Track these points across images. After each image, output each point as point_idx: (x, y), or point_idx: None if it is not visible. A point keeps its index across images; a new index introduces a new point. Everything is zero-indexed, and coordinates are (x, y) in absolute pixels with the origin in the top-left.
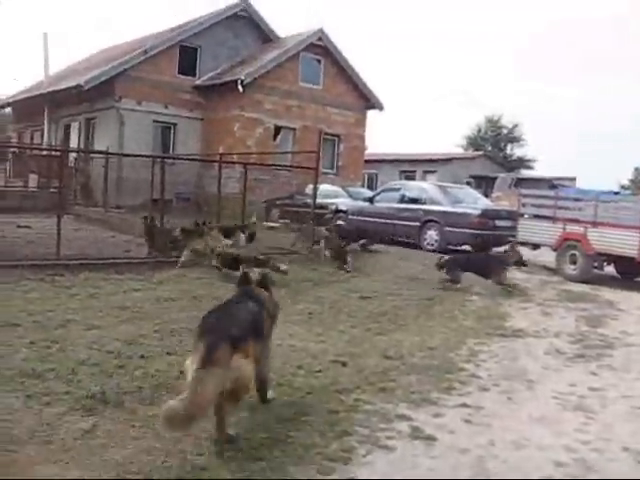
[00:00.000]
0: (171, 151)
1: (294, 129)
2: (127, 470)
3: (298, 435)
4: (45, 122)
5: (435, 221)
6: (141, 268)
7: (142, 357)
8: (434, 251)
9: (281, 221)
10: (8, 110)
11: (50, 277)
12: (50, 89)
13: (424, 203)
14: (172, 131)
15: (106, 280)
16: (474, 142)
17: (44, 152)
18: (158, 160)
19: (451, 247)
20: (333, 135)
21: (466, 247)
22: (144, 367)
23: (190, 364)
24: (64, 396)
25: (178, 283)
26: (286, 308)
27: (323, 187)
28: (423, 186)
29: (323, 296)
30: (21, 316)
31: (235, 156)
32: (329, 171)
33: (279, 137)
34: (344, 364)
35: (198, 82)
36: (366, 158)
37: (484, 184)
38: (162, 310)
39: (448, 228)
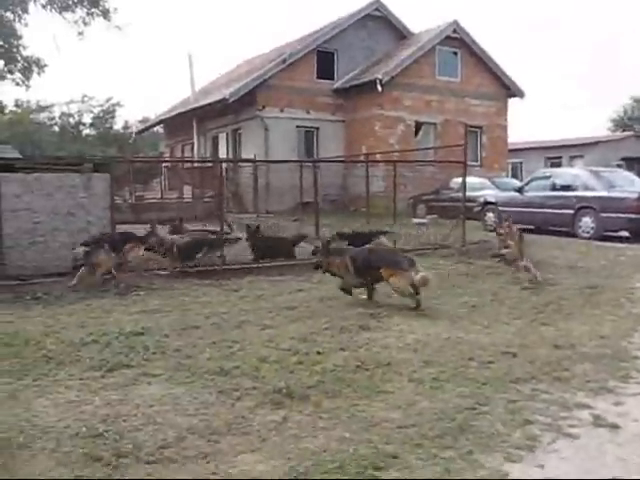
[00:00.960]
0: (314, 154)
1: (435, 124)
2: (322, 459)
3: (480, 424)
4: (195, 135)
5: (590, 207)
6: (300, 269)
7: (318, 353)
8: (589, 238)
9: (428, 217)
10: (156, 128)
11: (217, 282)
12: (197, 104)
13: (577, 189)
14: (315, 135)
15: (270, 282)
16: (620, 123)
17: (196, 164)
18: (308, 164)
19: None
20: (475, 127)
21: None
22: (321, 362)
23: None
24: (252, 391)
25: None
26: (447, 301)
27: (469, 180)
28: (575, 172)
29: (483, 289)
30: (199, 319)
31: (378, 155)
32: (473, 163)
33: (420, 133)
34: (514, 355)
35: (337, 85)
36: (509, 147)
37: (636, 166)
38: (328, 309)
39: (604, 214)
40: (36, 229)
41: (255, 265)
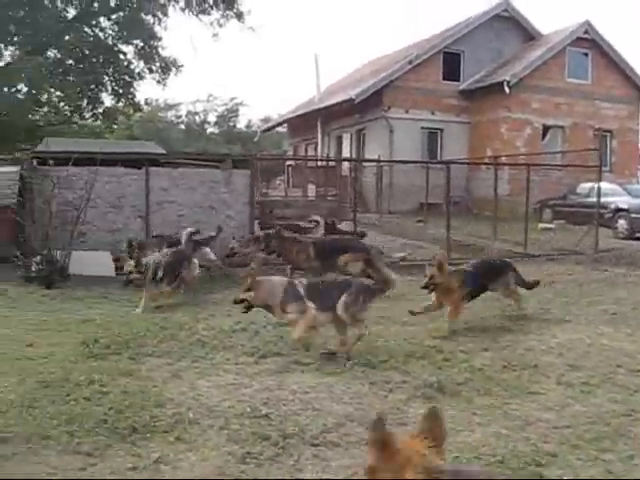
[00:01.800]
0: (438, 156)
1: (563, 127)
2: (482, 452)
3: (638, 431)
4: (318, 135)
5: None
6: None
7: (462, 352)
8: None
9: (555, 222)
10: (278, 128)
11: None
12: (322, 104)
13: None
14: (439, 136)
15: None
16: None
17: (319, 163)
18: (436, 166)
19: None
20: (605, 130)
21: None
22: (468, 361)
23: None
24: (402, 385)
25: None
26: (586, 308)
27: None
28: None
29: (622, 297)
30: None
31: (504, 158)
32: (603, 168)
33: (547, 136)
34: None
35: (462, 86)
36: None
37: None
38: (466, 309)
39: None
40: (180, 221)
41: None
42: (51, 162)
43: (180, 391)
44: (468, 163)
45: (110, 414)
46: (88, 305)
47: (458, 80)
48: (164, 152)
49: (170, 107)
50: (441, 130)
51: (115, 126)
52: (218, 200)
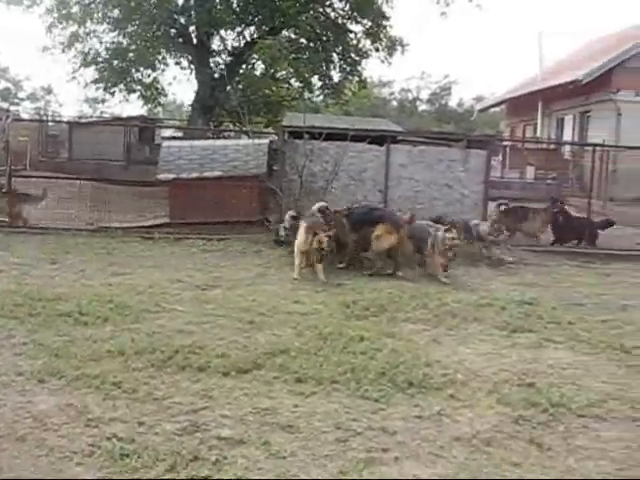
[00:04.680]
0: None
1: None
2: None
3: None
4: (539, 116)
5: None
6: None
7: None
8: None
9: None
10: (494, 108)
11: (585, 264)
12: (544, 85)
13: None
14: None
15: None
16: None
17: (538, 145)
18: None
19: None
20: None
21: None
22: None
23: None
24: None
25: None
26: None
27: None
28: None
29: None
30: (577, 297)
31: None
32: None
33: None
34: None
35: None
36: None
37: None
38: None
39: None
40: (416, 197)
41: (624, 252)
42: (306, 136)
43: (443, 354)
44: None
45: (387, 368)
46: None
47: None
48: (402, 130)
49: (384, 84)
50: None
51: (332, 101)
52: (454, 178)
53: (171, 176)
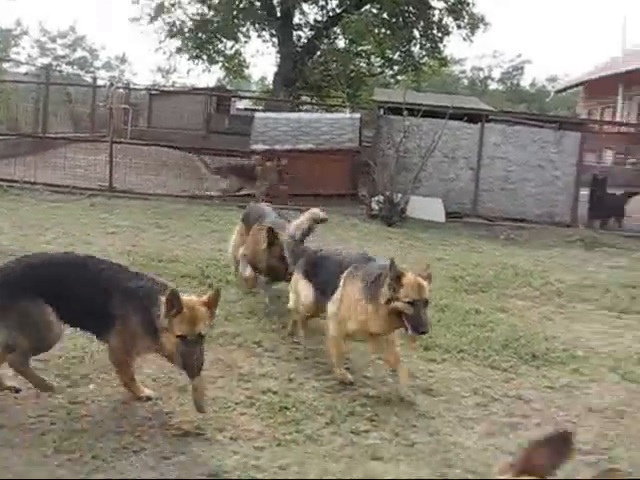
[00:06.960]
0: None
1: None
2: None
3: None
4: (619, 99)
5: None
6: None
7: None
8: None
9: None
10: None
11: None
12: (628, 67)
13: None
14: None
15: None
16: None
17: (617, 128)
18: None
19: None
20: None
21: None
22: None
23: None
24: None
25: None
26: None
27: None
28: None
29: None
30: None
31: None
32: None
33: None
34: None
35: None
36: None
37: None
38: None
39: None
40: (508, 177)
41: None
42: (405, 112)
43: (559, 331)
44: None
45: (509, 341)
46: (433, 246)
47: None
48: (492, 109)
49: (455, 61)
50: None
51: (402, 78)
52: (546, 160)
53: (265, 147)
